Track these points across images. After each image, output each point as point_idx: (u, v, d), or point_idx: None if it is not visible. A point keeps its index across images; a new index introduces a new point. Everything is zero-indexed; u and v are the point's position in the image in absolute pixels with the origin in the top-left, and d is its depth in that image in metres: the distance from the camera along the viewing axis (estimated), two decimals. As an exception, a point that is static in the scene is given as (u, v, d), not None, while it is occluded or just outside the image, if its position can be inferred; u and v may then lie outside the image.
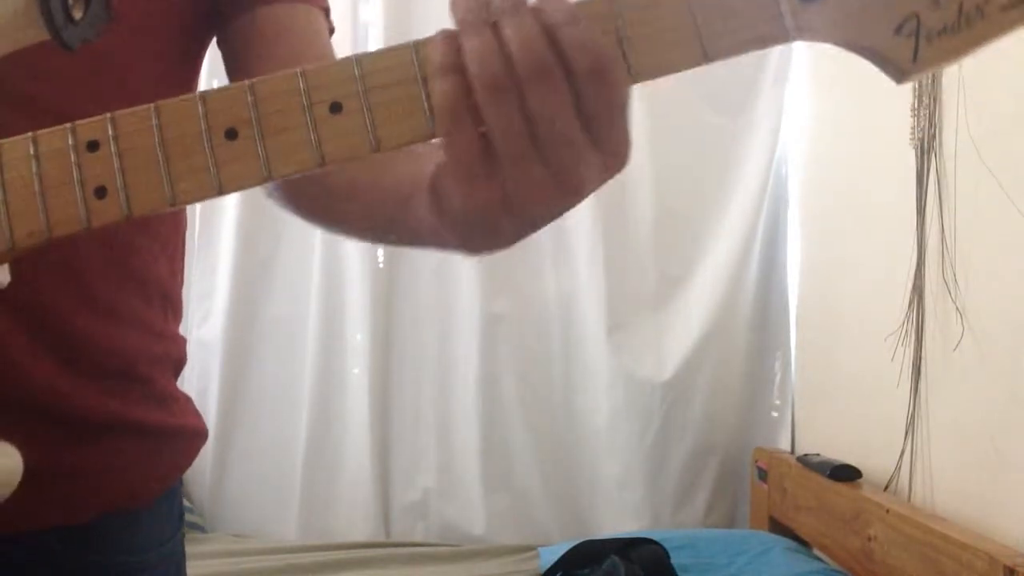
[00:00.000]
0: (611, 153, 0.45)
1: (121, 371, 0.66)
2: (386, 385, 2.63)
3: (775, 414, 2.61)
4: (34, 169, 0.48)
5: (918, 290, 1.76)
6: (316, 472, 2.62)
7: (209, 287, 2.64)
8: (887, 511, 1.68)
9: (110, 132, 0.48)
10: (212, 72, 0.86)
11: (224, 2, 0.71)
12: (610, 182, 0.47)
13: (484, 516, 2.59)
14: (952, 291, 1.63)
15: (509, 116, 0.43)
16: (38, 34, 0.51)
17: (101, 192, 0.47)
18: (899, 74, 0.47)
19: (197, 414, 0.75)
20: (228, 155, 0.47)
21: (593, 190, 0.46)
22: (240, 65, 0.71)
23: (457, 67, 0.44)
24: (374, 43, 2.52)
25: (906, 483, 1.80)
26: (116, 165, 0.47)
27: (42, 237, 0.48)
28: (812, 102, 2.46)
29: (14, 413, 0.58)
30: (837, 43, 0.47)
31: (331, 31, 0.75)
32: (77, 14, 0.51)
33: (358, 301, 2.60)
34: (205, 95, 0.47)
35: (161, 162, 0.47)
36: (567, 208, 0.47)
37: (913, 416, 1.78)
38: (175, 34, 0.69)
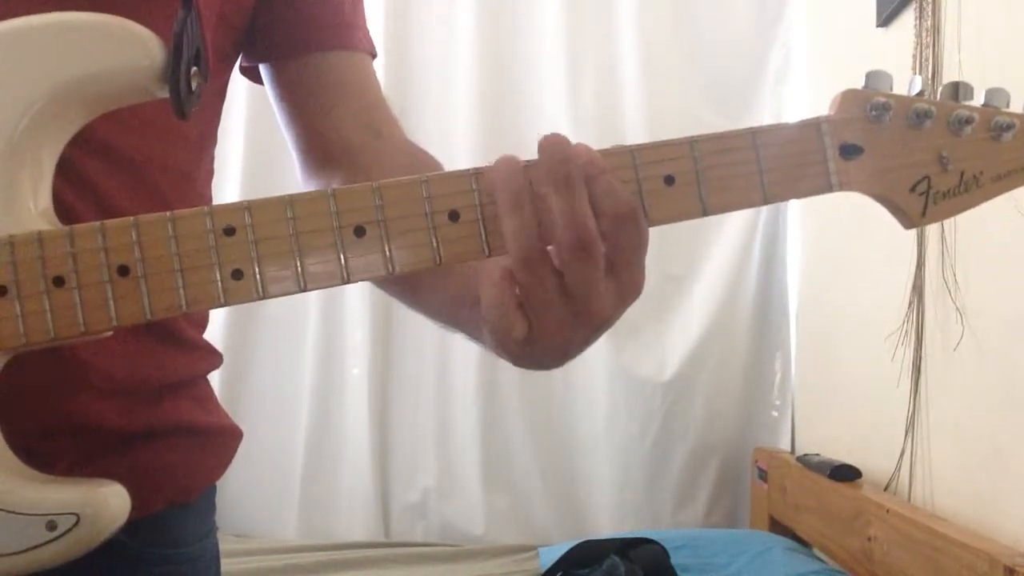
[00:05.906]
0: (630, 288, 0.53)
1: (178, 382, 0.71)
2: (386, 385, 2.63)
3: (775, 414, 2.61)
4: (173, 249, 0.50)
5: (918, 290, 1.76)
6: (316, 472, 2.62)
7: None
8: (887, 511, 1.68)
9: (247, 220, 0.51)
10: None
11: (277, 43, 0.75)
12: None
13: (484, 516, 2.59)
14: (952, 291, 1.63)
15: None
16: (150, 98, 0.54)
17: (238, 275, 0.51)
18: (909, 223, 0.58)
19: (228, 415, 0.79)
20: (356, 251, 0.53)
21: (615, 319, 0.54)
22: (295, 102, 0.77)
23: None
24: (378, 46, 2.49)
25: (906, 483, 1.80)
26: (252, 252, 0.51)
27: (178, 312, 0.51)
28: (811, 102, 2.46)
29: (87, 427, 0.64)
30: (866, 194, 0.57)
31: (373, 56, 0.81)
32: (194, 84, 0.53)
33: (358, 301, 2.60)
34: (335, 193, 0.52)
35: (295, 252, 0.52)
36: (595, 337, 0.54)
37: (913, 416, 1.78)
38: (221, 66, 0.73)
